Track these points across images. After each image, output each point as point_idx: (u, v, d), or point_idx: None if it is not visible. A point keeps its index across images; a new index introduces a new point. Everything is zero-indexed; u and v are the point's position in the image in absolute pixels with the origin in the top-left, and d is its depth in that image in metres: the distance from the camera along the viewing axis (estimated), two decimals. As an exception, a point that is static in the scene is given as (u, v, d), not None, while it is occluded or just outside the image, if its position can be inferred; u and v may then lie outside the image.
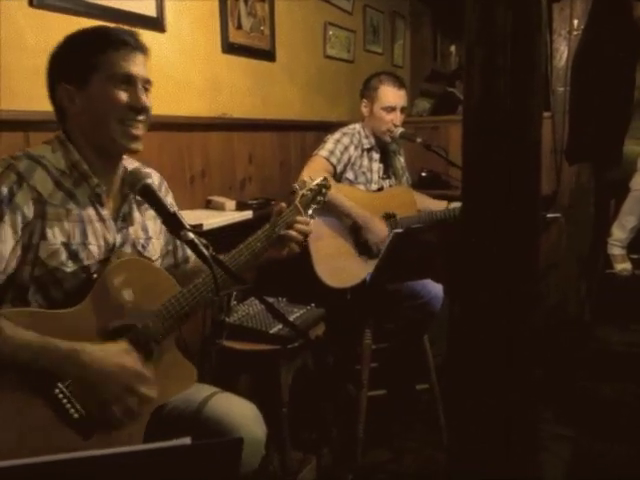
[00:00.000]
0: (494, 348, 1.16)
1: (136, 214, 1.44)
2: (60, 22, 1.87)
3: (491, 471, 1.17)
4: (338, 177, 2.53)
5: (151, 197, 1.25)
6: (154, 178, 1.50)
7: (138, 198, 1.43)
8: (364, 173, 2.60)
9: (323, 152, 2.49)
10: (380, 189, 2.64)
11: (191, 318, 1.38)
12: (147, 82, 1.36)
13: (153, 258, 1.47)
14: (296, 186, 1.62)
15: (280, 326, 1.92)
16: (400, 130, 2.62)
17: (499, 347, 1.15)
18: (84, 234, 1.31)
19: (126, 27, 1.41)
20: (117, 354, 1.24)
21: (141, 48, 1.35)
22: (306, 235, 1.56)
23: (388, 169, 2.73)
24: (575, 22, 3.19)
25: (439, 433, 2.42)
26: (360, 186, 2.58)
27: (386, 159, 2.72)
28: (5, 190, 1.21)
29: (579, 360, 2.92)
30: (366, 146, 2.61)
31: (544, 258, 1.14)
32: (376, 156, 2.65)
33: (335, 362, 2.47)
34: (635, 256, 3.34)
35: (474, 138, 1.18)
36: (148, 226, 1.47)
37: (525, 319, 1.15)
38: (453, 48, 5.74)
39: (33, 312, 1.24)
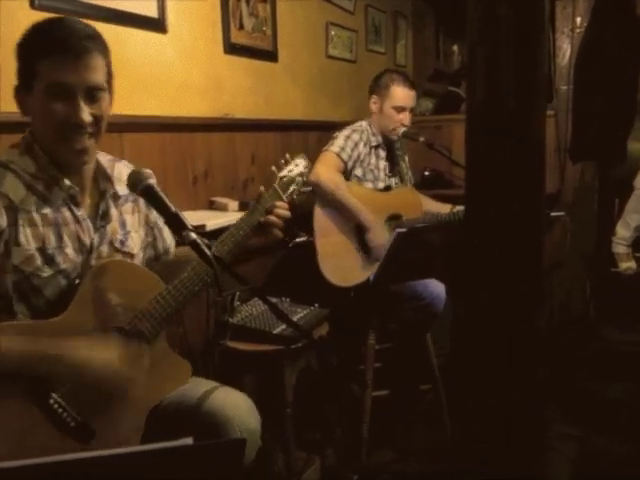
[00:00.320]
0: (494, 348, 1.15)
1: (113, 210, 1.41)
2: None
3: (492, 471, 1.16)
4: (348, 173, 2.53)
5: (154, 197, 1.23)
6: None
7: (118, 190, 1.41)
8: (372, 170, 2.60)
9: (334, 148, 2.49)
10: (387, 187, 2.65)
11: (180, 313, 1.37)
12: (95, 89, 1.25)
13: (133, 252, 1.45)
14: (273, 168, 1.56)
15: (284, 326, 1.92)
16: (403, 129, 2.62)
17: (499, 347, 1.14)
18: (59, 237, 1.28)
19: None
20: (104, 353, 1.25)
21: (92, 53, 1.24)
22: (284, 219, 1.49)
23: (394, 167, 2.74)
24: (578, 20, 3.18)
25: (443, 433, 2.42)
26: (368, 183, 2.58)
27: (392, 157, 2.73)
28: None
29: (584, 359, 2.91)
30: (374, 143, 2.62)
31: (548, 257, 1.13)
32: (383, 154, 2.65)
33: (339, 362, 2.46)
34: (640, 254, 3.33)
35: (478, 137, 1.17)
36: (126, 220, 1.44)
37: (526, 319, 1.14)
38: (456, 47, 5.72)
39: (18, 325, 1.22)
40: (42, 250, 1.25)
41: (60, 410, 1.20)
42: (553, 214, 2.26)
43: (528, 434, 1.15)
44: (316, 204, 2.40)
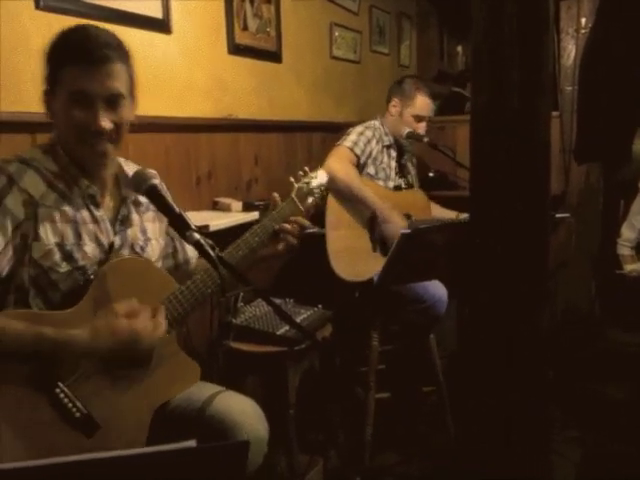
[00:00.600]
0: (496, 348, 1.15)
1: (134, 216, 1.44)
2: (66, 24, 1.86)
3: (493, 471, 1.16)
4: (360, 170, 2.54)
5: (157, 198, 1.24)
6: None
7: (140, 198, 1.42)
8: (384, 169, 2.61)
9: (347, 143, 2.50)
10: (397, 187, 2.65)
11: (191, 315, 1.38)
12: (115, 97, 1.28)
13: (152, 260, 1.47)
14: (291, 179, 1.59)
15: (287, 327, 1.92)
16: (407, 130, 2.62)
17: (501, 347, 1.14)
18: (78, 235, 1.31)
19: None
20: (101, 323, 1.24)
21: (113, 62, 1.27)
22: (303, 229, 1.52)
23: (403, 169, 2.75)
24: (583, 20, 3.17)
25: (446, 435, 2.41)
26: (379, 182, 2.60)
27: (401, 159, 2.73)
28: None
29: (588, 360, 2.90)
30: (386, 143, 2.63)
31: (553, 258, 1.13)
32: (394, 154, 2.67)
33: (342, 364, 2.46)
34: (645, 256, 3.31)
35: (482, 137, 1.17)
36: (147, 228, 1.47)
37: (528, 319, 1.14)
38: (460, 48, 5.71)
39: (29, 312, 1.24)
40: (61, 246, 1.27)
41: (66, 400, 1.21)
42: (558, 215, 2.26)
43: (529, 434, 1.15)
44: (329, 196, 2.40)
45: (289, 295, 2.21)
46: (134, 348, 1.23)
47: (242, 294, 2.03)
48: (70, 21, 1.87)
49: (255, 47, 2.77)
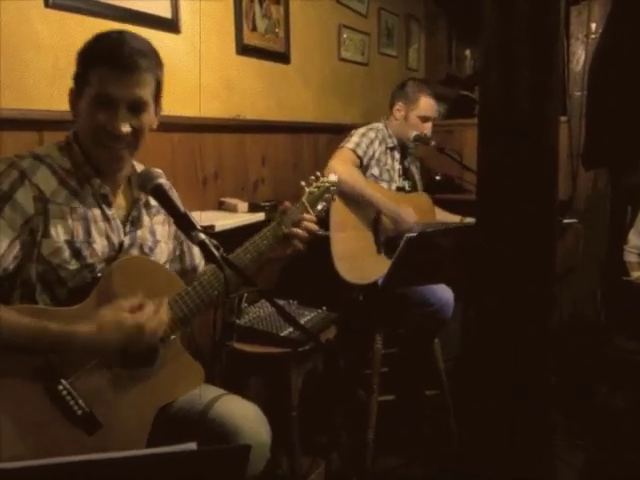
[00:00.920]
0: (501, 352, 1.14)
1: (145, 218, 1.45)
2: (76, 22, 1.88)
3: (496, 474, 1.15)
4: (364, 171, 2.53)
5: (163, 197, 1.24)
6: None
7: (151, 201, 1.43)
8: (388, 171, 2.61)
9: (350, 144, 2.51)
10: (401, 189, 2.65)
11: (197, 316, 1.37)
12: (139, 103, 1.30)
13: (160, 262, 1.47)
14: (303, 183, 1.59)
15: (291, 329, 1.91)
16: (414, 133, 2.62)
17: (506, 351, 1.13)
18: (88, 232, 1.31)
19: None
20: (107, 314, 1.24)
21: (143, 69, 1.29)
22: (312, 233, 1.53)
23: (407, 171, 2.74)
24: (593, 26, 3.16)
25: (449, 439, 2.40)
26: (384, 184, 2.59)
27: (405, 161, 2.73)
28: (6, 187, 1.22)
29: (594, 368, 2.88)
30: (390, 145, 2.63)
31: (560, 264, 1.12)
32: (397, 156, 2.67)
33: (345, 366, 2.45)
34: (652, 263, 3.28)
35: (490, 140, 1.16)
36: (156, 230, 1.47)
37: (535, 323, 1.13)
38: (468, 52, 5.69)
39: (34, 308, 1.24)
40: (70, 243, 1.28)
41: (68, 397, 1.21)
42: (565, 221, 2.24)
43: (533, 438, 1.14)
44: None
45: (293, 297, 2.21)
46: (138, 341, 1.23)
47: (246, 295, 2.02)
48: (79, 19, 1.88)
49: (263, 48, 2.77)
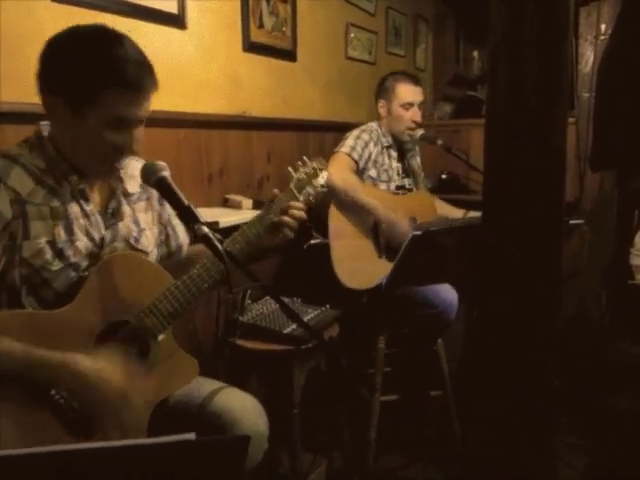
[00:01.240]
0: (506, 354, 1.13)
1: (126, 208, 1.42)
2: (82, 16, 1.88)
3: (499, 476, 1.14)
4: (360, 174, 2.52)
5: (166, 190, 1.23)
6: None
7: (129, 189, 1.41)
8: (386, 171, 2.59)
9: (344, 149, 2.49)
10: (401, 187, 2.63)
11: (189, 311, 1.36)
12: (144, 119, 1.29)
13: (147, 250, 1.45)
14: (290, 169, 1.56)
15: (294, 326, 1.91)
16: (420, 132, 2.61)
17: (511, 353, 1.12)
18: (70, 231, 1.28)
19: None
20: (105, 366, 1.21)
21: (151, 87, 1.26)
22: (300, 220, 1.49)
23: (406, 168, 2.73)
24: (602, 27, 3.13)
25: (451, 440, 2.39)
26: (382, 185, 2.57)
27: (403, 158, 2.71)
28: None
29: (597, 371, 2.86)
30: (385, 144, 2.61)
31: (565, 266, 1.11)
32: (394, 154, 2.65)
33: (348, 365, 2.44)
34: (658, 267, 3.26)
35: (497, 141, 1.15)
36: (139, 218, 1.45)
37: (541, 325, 1.12)
38: (476, 53, 5.67)
39: (24, 313, 1.22)
40: (52, 243, 1.25)
41: (62, 401, 1.20)
42: (572, 222, 2.23)
43: (537, 439, 1.14)
44: (331, 206, 2.39)
45: (296, 294, 2.20)
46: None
47: (249, 292, 2.02)
48: (85, 13, 1.88)
49: (270, 45, 2.76)
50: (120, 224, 1.39)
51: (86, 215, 1.32)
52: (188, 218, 1.17)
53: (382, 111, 2.65)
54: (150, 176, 1.24)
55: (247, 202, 2.42)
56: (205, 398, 1.35)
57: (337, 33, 3.37)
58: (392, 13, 3.94)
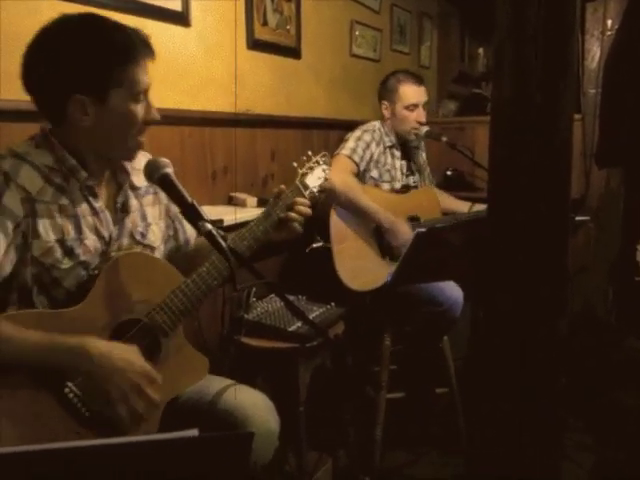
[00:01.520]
0: (512, 352, 1.13)
1: (133, 202, 1.42)
2: (87, 14, 1.87)
3: (504, 474, 1.14)
4: (362, 175, 2.50)
5: (170, 186, 1.23)
6: None
7: (136, 182, 1.41)
8: (388, 171, 2.58)
9: (345, 151, 2.47)
10: (405, 186, 2.62)
11: (198, 308, 1.36)
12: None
13: (154, 245, 1.45)
14: (295, 164, 1.57)
15: (299, 324, 1.90)
16: (425, 129, 2.60)
17: (517, 351, 1.12)
18: (79, 229, 1.28)
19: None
20: (125, 350, 1.22)
21: (154, 52, 1.30)
22: (306, 216, 1.51)
23: (411, 166, 2.71)
24: (609, 22, 3.12)
25: (457, 438, 2.38)
26: (385, 185, 2.56)
27: (408, 156, 2.70)
28: None
29: (604, 369, 2.85)
30: (388, 144, 2.59)
31: (572, 263, 1.11)
32: (398, 153, 2.63)
33: (354, 362, 2.44)
34: (665, 264, 3.25)
35: (502, 137, 1.15)
36: (147, 212, 1.45)
37: (547, 323, 1.12)
38: (481, 50, 5.66)
39: (36, 313, 1.22)
40: (61, 242, 1.25)
41: (75, 400, 1.20)
42: (578, 219, 2.22)
43: (542, 438, 1.13)
44: (332, 210, 2.38)
45: (302, 292, 2.20)
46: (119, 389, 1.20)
47: (255, 289, 2.02)
48: (88, 11, 1.87)
49: (274, 43, 2.76)
50: (127, 219, 1.39)
51: (95, 212, 1.32)
52: (192, 215, 1.17)
53: (386, 113, 2.63)
54: (153, 173, 1.24)
55: (252, 200, 2.42)
56: (215, 395, 1.36)
57: (341, 30, 3.36)
58: (397, 10, 3.93)
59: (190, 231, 1.58)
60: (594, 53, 3.22)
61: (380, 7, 3.71)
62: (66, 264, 1.25)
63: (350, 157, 2.45)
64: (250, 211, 2.32)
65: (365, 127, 2.58)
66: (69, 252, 1.26)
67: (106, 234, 1.33)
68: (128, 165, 1.41)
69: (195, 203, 1.18)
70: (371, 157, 2.52)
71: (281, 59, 2.84)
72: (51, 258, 1.23)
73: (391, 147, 2.61)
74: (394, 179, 2.59)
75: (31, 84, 1.26)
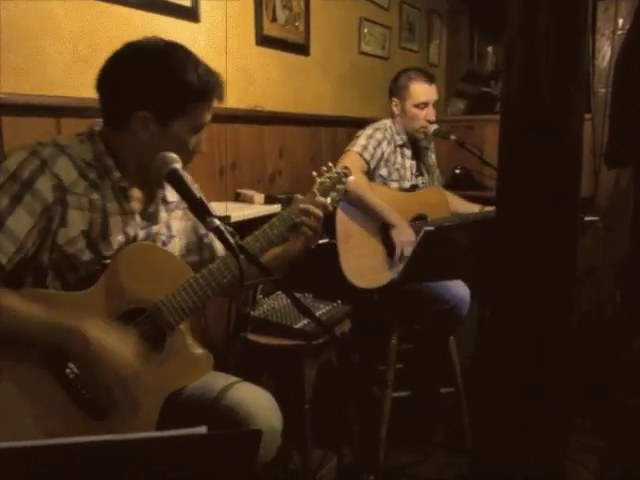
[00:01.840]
0: (523, 351, 1.12)
1: (163, 214, 1.44)
2: (95, 9, 1.88)
3: (509, 473, 1.14)
4: (371, 173, 2.50)
5: (178, 182, 1.23)
6: None
7: (169, 196, 1.44)
8: (397, 170, 2.56)
9: (356, 148, 2.45)
10: (414, 186, 2.61)
11: (205, 304, 1.37)
12: None
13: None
14: (314, 174, 1.57)
15: (305, 321, 1.90)
16: (434, 127, 2.58)
17: (528, 350, 1.11)
18: (105, 225, 1.30)
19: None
20: (119, 339, 1.23)
21: (223, 96, 1.39)
22: (319, 219, 1.52)
23: (420, 166, 2.70)
24: (620, 21, 3.09)
25: (462, 437, 2.38)
26: (393, 184, 2.54)
27: (418, 156, 2.69)
28: (27, 174, 1.21)
29: (611, 369, 2.84)
30: (399, 142, 2.58)
31: (580, 263, 1.10)
32: (408, 153, 2.61)
33: (360, 361, 2.44)
34: (675, 265, 3.22)
35: (512, 136, 1.14)
36: (172, 225, 1.47)
37: (557, 323, 1.11)
38: (490, 49, 5.63)
39: (45, 293, 1.24)
40: (87, 234, 1.27)
41: (76, 381, 1.22)
42: (587, 219, 2.20)
43: (548, 438, 1.13)
44: (337, 208, 2.37)
45: (308, 290, 2.20)
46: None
47: (261, 286, 2.01)
48: (98, 6, 1.88)
49: (283, 39, 2.76)
50: (154, 227, 1.41)
51: (124, 212, 1.34)
52: (200, 211, 1.17)
53: (396, 110, 2.62)
54: (162, 168, 1.25)
55: (259, 197, 2.41)
56: (219, 392, 1.36)
57: (350, 27, 3.35)
58: (406, 8, 3.92)
59: (220, 251, 1.57)
60: (605, 52, 3.19)
61: (389, 4, 3.69)
62: (87, 256, 1.27)
63: (361, 154, 2.44)
64: (257, 208, 2.32)
65: (377, 125, 2.56)
66: (92, 245, 1.28)
67: (131, 234, 1.35)
68: None
69: (203, 198, 1.18)
70: (382, 156, 2.50)
71: (290, 55, 2.84)
72: (74, 248, 1.26)
73: (402, 146, 2.59)
74: (403, 179, 2.58)
75: (105, 90, 1.31)
